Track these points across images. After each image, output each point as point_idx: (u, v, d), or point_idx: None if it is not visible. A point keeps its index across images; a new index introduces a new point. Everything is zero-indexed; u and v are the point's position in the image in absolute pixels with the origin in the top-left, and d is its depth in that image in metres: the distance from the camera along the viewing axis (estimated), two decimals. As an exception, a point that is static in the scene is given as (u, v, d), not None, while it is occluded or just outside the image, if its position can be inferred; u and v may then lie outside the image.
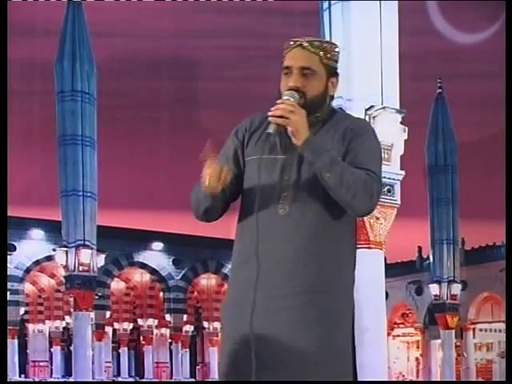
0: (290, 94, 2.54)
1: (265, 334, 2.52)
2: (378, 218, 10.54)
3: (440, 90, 28.90)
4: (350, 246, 2.69)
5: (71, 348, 25.46)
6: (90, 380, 22.96)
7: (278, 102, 2.52)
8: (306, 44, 2.58)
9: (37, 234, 31.24)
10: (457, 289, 28.53)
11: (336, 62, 2.63)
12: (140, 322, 37.97)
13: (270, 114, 2.51)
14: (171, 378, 36.02)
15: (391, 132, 10.59)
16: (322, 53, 2.59)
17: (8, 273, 25.86)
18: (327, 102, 2.64)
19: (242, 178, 2.63)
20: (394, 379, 34.20)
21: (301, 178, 2.56)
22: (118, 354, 39.05)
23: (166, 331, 37.09)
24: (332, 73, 2.62)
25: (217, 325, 37.93)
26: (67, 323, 34.80)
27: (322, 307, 2.66)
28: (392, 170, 10.72)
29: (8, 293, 22.42)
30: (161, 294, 36.39)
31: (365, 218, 10.44)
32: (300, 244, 2.55)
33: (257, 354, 2.50)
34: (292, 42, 2.60)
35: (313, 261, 2.58)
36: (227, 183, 2.54)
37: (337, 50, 2.64)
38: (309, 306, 2.58)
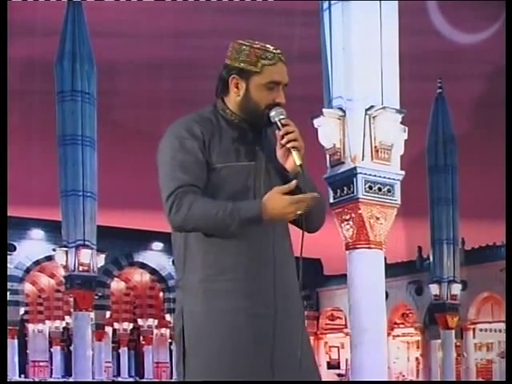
0: (282, 111, 2.54)
1: (286, 340, 2.55)
2: (378, 218, 10.54)
3: (440, 90, 28.91)
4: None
5: (71, 348, 25.45)
6: (90, 380, 22.96)
7: (284, 122, 2.51)
8: (283, 59, 2.59)
9: (37, 233, 31.25)
10: (457, 289, 28.53)
11: None
12: (140, 322, 38.00)
13: (289, 138, 2.49)
14: (171, 378, 36.01)
15: (391, 132, 10.57)
16: None
17: (8, 273, 25.86)
18: None
19: (205, 187, 2.56)
20: (394, 379, 34.19)
21: (272, 183, 2.56)
22: (118, 354, 39.06)
23: (165, 331, 37.09)
24: None
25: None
26: (67, 323, 34.82)
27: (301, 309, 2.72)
28: (392, 169, 10.70)
29: (8, 293, 22.43)
30: (161, 293, 36.39)
31: (365, 218, 10.44)
32: (283, 247, 2.60)
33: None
34: (269, 53, 2.56)
35: (291, 263, 2.64)
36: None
37: None
38: (296, 308, 2.64)
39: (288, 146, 2.50)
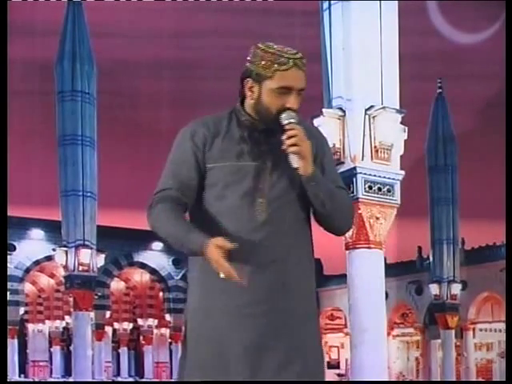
0: (293, 116, 2.55)
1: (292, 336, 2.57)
2: (377, 218, 10.54)
3: (440, 90, 28.91)
4: (312, 249, 2.74)
5: (71, 348, 25.45)
6: (90, 380, 22.96)
7: (287, 127, 2.53)
8: (300, 64, 2.57)
9: (37, 233, 31.26)
10: (457, 289, 28.53)
11: None
12: (140, 321, 38.00)
13: (287, 143, 2.51)
14: (171, 378, 36.01)
15: (391, 132, 10.58)
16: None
17: (8, 273, 25.89)
18: None
19: (201, 185, 2.60)
20: (394, 379, 34.20)
21: (276, 184, 2.58)
22: (118, 354, 39.08)
23: (165, 331, 37.11)
24: None
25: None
26: (67, 323, 34.83)
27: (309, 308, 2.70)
28: (392, 170, 10.70)
29: (8, 293, 22.43)
30: (161, 293, 36.40)
31: (364, 218, 10.44)
32: (284, 249, 2.59)
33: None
34: (284, 58, 2.55)
35: (296, 264, 2.62)
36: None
37: None
38: (298, 308, 2.63)
39: (287, 150, 2.52)
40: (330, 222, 2.64)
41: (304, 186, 2.57)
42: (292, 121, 2.54)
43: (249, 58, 2.60)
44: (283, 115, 2.55)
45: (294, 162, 2.52)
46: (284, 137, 2.52)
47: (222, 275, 2.45)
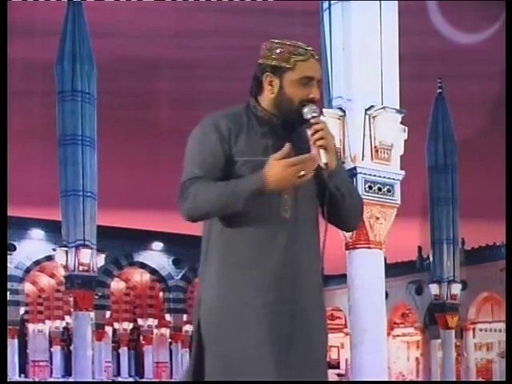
0: (315, 109, 2.56)
1: (302, 337, 2.57)
2: (377, 218, 10.54)
3: (440, 90, 28.90)
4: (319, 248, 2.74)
5: (71, 348, 25.45)
6: (90, 380, 22.96)
7: (313, 120, 2.53)
8: (316, 55, 2.62)
9: (37, 233, 31.25)
10: (457, 289, 28.53)
11: None
12: (140, 321, 37.99)
13: (315, 137, 2.51)
14: (171, 378, 36.01)
15: (391, 132, 10.58)
16: None
17: (8, 273, 25.88)
18: None
19: (226, 178, 2.56)
20: (393, 379, 34.19)
21: None
22: (118, 354, 39.07)
23: (165, 331, 37.10)
24: None
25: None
26: (67, 323, 34.81)
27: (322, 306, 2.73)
28: (392, 170, 10.71)
29: (8, 293, 22.43)
30: (161, 293, 36.40)
31: (364, 218, 10.44)
32: (304, 247, 2.60)
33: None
34: (301, 49, 2.59)
35: (314, 262, 2.64)
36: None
37: None
38: (317, 307, 2.67)
39: (315, 145, 2.52)
40: (345, 216, 2.64)
41: (325, 180, 2.57)
42: (315, 114, 2.55)
43: (262, 54, 2.62)
44: (305, 109, 2.56)
45: (323, 156, 2.51)
46: (310, 131, 2.53)
47: (302, 173, 2.44)
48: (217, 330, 2.55)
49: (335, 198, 2.58)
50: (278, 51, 2.58)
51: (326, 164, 2.51)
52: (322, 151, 2.51)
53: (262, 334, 2.51)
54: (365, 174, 10.47)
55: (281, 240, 2.55)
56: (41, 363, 36.38)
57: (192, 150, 2.61)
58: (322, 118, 2.57)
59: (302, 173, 2.44)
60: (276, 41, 2.61)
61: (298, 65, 2.57)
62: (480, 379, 33.15)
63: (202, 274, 2.64)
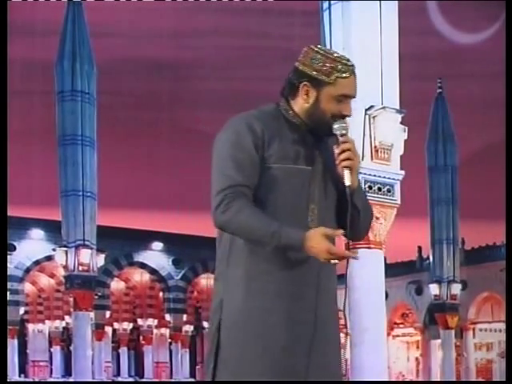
0: (345, 127, 2.55)
1: (324, 345, 2.58)
2: (377, 218, 10.53)
3: (440, 90, 28.91)
4: None
5: (71, 348, 25.45)
6: (90, 380, 22.97)
7: (342, 139, 2.52)
8: (355, 72, 2.60)
9: (37, 233, 31.23)
10: (457, 289, 28.53)
11: None
12: (140, 321, 37.97)
13: (341, 157, 2.50)
14: (171, 378, 36.01)
15: (391, 132, 10.58)
16: None
17: (8, 273, 25.87)
18: None
19: (258, 183, 2.54)
20: (393, 379, 34.20)
21: (324, 191, 2.59)
22: (118, 354, 39.06)
23: (165, 331, 37.08)
24: None
25: (217, 325, 37.96)
26: (67, 323, 34.79)
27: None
28: (392, 170, 10.71)
29: (8, 293, 22.43)
30: (160, 293, 36.39)
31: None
32: None
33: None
34: (343, 66, 2.56)
35: (334, 270, 2.67)
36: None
37: None
38: (334, 315, 2.69)
39: (341, 165, 2.51)
40: (357, 229, 2.63)
41: (345, 196, 2.57)
42: (344, 132, 2.54)
43: (302, 60, 2.57)
44: (336, 125, 2.54)
45: (347, 178, 2.51)
46: (337, 150, 2.52)
47: (334, 261, 2.45)
48: (239, 332, 2.54)
49: (352, 215, 2.57)
50: (320, 63, 2.54)
51: (348, 186, 2.52)
52: (346, 172, 2.51)
53: (282, 340, 2.52)
54: (365, 173, 10.46)
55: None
56: (41, 363, 36.36)
57: (226, 152, 2.52)
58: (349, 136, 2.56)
59: (334, 262, 2.47)
60: (319, 50, 2.57)
61: (338, 81, 2.54)
62: (480, 379, 33.16)
63: (223, 276, 2.61)
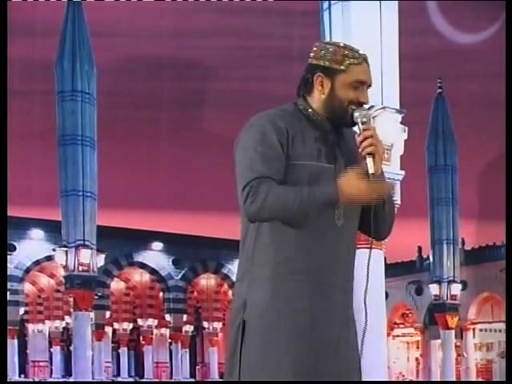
0: (365, 115, 2.54)
1: (341, 345, 2.59)
2: (377, 218, 10.53)
3: (440, 90, 28.91)
4: None
5: (71, 348, 25.45)
6: (90, 380, 22.96)
7: (363, 126, 2.52)
8: (367, 60, 2.62)
9: (37, 233, 31.22)
10: (457, 289, 28.54)
11: None
12: (140, 322, 37.96)
13: (363, 145, 2.49)
14: (171, 378, 36.01)
15: (391, 132, 10.59)
16: None
17: (8, 273, 25.88)
18: None
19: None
20: (394, 379, 34.21)
21: None
22: (118, 354, 39.04)
23: (165, 331, 37.07)
24: None
25: (216, 325, 37.97)
26: (67, 323, 34.79)
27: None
28: (392, 170, 10.71)
29: (8, 293, 22.43)
30: (160, 293, 36.37)
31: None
32: (351, 255, 2.66)
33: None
34: (355, 53, 2.59)
35: (352, 271, 2.71)
36: None
37: None
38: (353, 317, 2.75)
39: (363, 152, 2.50)
40: (382, 224, 2.62)
41: None
42: (365, 120, 2.53)
43: (314, 55, 2.59)
44: (356, 113, 2.54)
45: (370, 165, 2.49)
46: (360, 138, 2.51)
47: (385, 188, 2.51)
48: (266, 332, 2.52)
49: (376, 206, 2.56)
50: (331, 52, 2.57)
51: (372, 174, 2.49)
52: (369, 159, 2.50)
53: (310, 341, 2.51)
54: (365, 173, 10.46)
55: (335, 248, 2.55)
56: (41, 363, 36.35)
57: (252, 149, 2.50)
58: (371, 123, 2.56)
59: (375, 197, 2.47)
60: (331, 42, 2.63)
61: (351, 68, 2.55)
62: (480, 379, 33.17)
63: (247, 275, 2.57)
